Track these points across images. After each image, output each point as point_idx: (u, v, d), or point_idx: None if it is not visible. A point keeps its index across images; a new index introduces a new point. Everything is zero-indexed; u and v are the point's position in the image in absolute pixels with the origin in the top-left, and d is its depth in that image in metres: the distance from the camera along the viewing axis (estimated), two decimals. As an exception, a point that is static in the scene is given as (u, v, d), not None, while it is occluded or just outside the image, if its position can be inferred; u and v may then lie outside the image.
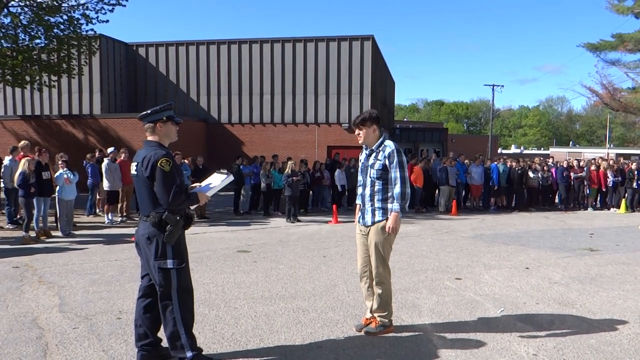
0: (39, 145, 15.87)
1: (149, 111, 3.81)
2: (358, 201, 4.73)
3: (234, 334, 4.53)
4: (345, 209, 14.95)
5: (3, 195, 11.35)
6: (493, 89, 48.31)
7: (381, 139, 4.56)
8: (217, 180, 4.00)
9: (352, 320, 4.88)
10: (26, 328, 4.65)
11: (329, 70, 22.87)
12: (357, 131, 4.61)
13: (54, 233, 10.09)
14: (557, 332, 4.64)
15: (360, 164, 4.74)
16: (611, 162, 17.67)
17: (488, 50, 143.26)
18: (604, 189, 16.63)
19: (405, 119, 76.25)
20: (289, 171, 13.05)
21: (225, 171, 4.15)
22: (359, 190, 4.71)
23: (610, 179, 16.44)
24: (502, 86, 55.85)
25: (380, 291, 4.51)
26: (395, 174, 4.43)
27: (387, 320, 4.57)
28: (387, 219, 4.45)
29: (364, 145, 4.69)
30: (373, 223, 4.51)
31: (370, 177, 4.55)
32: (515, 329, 4.70)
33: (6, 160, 11.61)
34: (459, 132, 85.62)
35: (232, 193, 14.28)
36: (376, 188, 4.51)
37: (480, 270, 7.23)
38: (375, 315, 4.57)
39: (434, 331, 4.63)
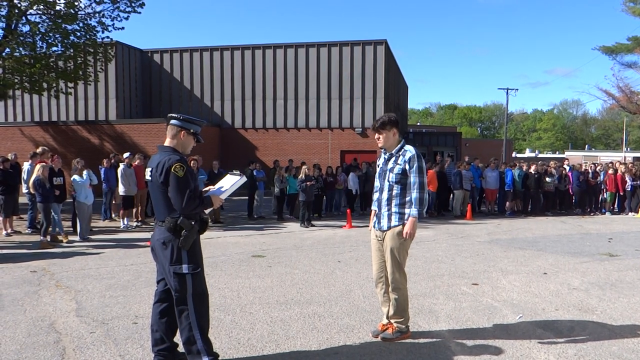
0: (56, 150, 16.07)
1: (180, 116, 3.82)
2: (374, 206, 4.66)
3: (250, 339, 4.52)
4: (359, 214, 14.89)
5: (26, 200, 11.52)
6: (507, 93, 47.89)
7: (401, 144, 4.51)
8: (230, 182, 3.96)
9: (368, 326, 4.84)
10: (44, 332, 4.68)
11: (342, 75, 22.88)
12: (376, 135, 4.55)
13: (70, 237, 10.18)
14: (577, 338, 4.55)
15: (378, 169, 4.68)
16: (630, 166, 17.35)
17: (497, 53, 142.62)
18: (621, 193, 16.36)
19: (418, 123, 75.91)
20: (303, 176, 13.05)
21: (238, 172, 4.09)
22: (376, 195, 4.64)
23: (628, 182, 16.16)
24: (517, 90, 55.27)
25: (396, 297, 4.46)
26: (414, 178, 4.37)
27: (404, 326, 4.52)
28: (403, 224, 4.40)
29: (382, 150, 4.64)
30: (389, 228, 4.45)
31: (388, 181, 4.48)
32: (535, 336, 4.62)
33: (26, 165, 11.77)
34: (473, 136, 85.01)
35: (246, 197, 14.33)
36: (394, 192, 4.45)
37: (498, 275, 7.13)
38: (392, 321, 4.52)
39: (452, 337, 4.57)
